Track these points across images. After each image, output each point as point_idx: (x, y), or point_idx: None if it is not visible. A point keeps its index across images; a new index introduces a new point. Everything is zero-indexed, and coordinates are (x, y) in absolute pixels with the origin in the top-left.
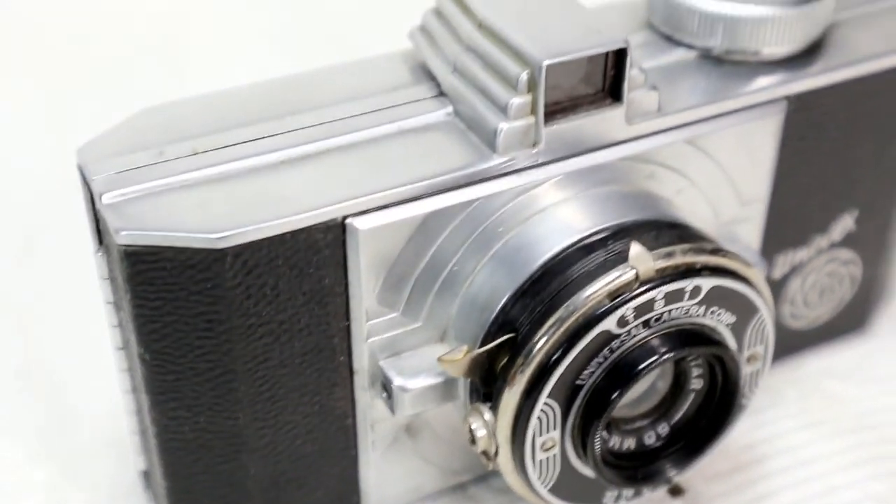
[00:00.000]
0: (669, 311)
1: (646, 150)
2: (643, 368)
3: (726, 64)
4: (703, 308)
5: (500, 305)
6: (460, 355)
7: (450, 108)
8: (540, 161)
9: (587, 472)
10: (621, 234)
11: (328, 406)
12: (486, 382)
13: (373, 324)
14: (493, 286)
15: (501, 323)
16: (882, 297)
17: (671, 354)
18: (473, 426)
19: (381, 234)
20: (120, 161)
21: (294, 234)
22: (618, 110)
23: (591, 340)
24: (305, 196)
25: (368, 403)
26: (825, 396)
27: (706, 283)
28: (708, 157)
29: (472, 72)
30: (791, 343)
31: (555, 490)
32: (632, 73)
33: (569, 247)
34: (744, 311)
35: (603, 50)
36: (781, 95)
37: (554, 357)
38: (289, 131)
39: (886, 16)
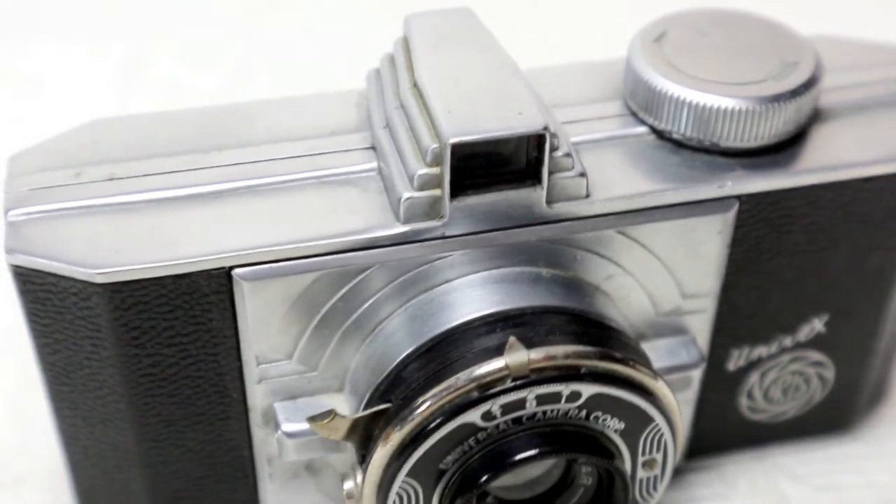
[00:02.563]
0: (544, 411)
1: (569, 234)
2: (506, 465)
3: (684, 150)
4: (584, 412)
5: (386, 372)
6: (326, 420)
7: (375, 164)
8: (446, 234)
9: None
10: (516, 321)
11: (224, 436)
12: (363, 446)
13: (265, 367)
14: (385, 351)
15: (384, 390)
16: (874, 402)
17: (536, 455)
18: (346, 486)
19: (270, 287)
20: (38, 178)
21: (177, 278)
22: (538, 192)
23: (454, 429)
24: (196, 241)
25: (264, 439)
26: (776, 497)
27: (587, 390)
28: (642, 248)
29: (397, 132)
30: (752, 434)
31: None
32: (556, 157)
33: (459, 327)
34: (635, 419)
35: (515, 134)
36: (732, 194)
37: (415, 437)
38: (209, 167)
39: (880, 116)
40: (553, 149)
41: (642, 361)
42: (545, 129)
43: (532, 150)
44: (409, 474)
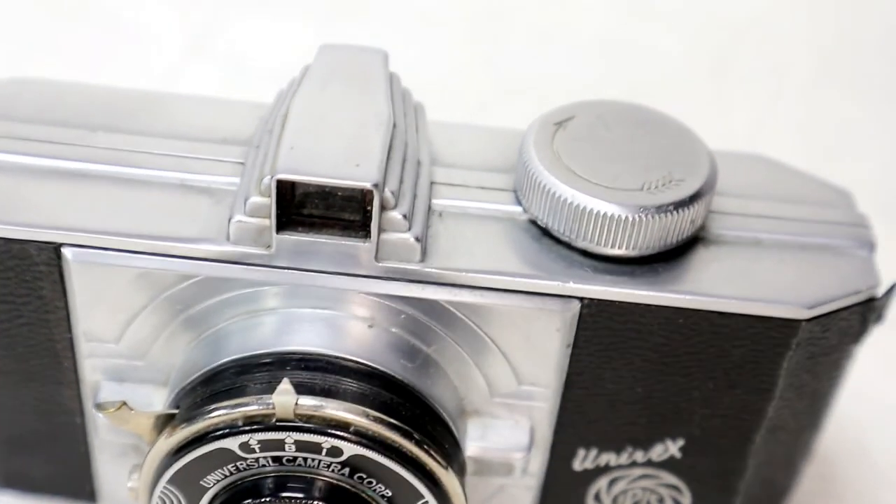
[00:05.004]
0: (305, 458)
1: (397, 295)
2: (257, 499)
3: (548, 240)
4: (347, 469)
5: (189, 379)
6: (113, 409)
7: (237, 180)
8: (272, 264)
9: None
10: (311, 364)
11: (57, 399)
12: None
13: (93, 346)
14: (196, 360)
15: (181, 396)
16: None
17: (276, 497)
18: (131, 481)
19: (96, 272)
20: None
21: (8, 241)
22: (367, 245)
23: (214, 452)
24: (38, 212)
25: (94, 412)
26: None
27: (348, 448)
28: (475, 326)
29: (258, 154)
30: None
31: None
32: (389, 215)
33: (260, 356)
34: (404, 491)
35: (341, 184)
36: (574, 295)
37: (177, 450)
38: (87, 146)
39: (770, 255)
40: (385, 207)
41: (429, 438)
42: (375, 185)
43: (367, 203)
44: (170, 482)
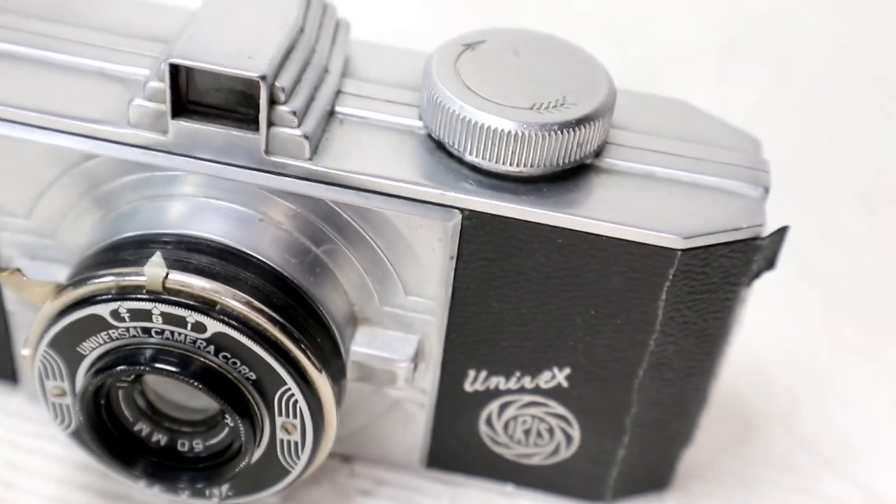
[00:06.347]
0: (172, 331)
1: (287, 191)
2: (123, 370)
3: (441, 153)
4: (212, 348)
5: (84, 255)
6: (7, 272)
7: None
8: (169, 150)
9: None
10: (192, 246)
11: None
12: None
13: (5, 220)
14: (94, 239)
15: (75, 269)
16: (646, 486)
17: (148, 369)
18: (22, 352)
19: (5, 145)
20: None
21: None
22: (256, 137)
23: (86, 317)
24: None
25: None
26: None
27: (212, 326)
28: (360, 230)
29: (168, 47)
30: (498, 467)
31: (75, 436)
32: (280, 110)
33: (148, 235)
34: (268, 376)
35: (229, 72)
36: (454, 205)
37: (56, 315)
38: (18, 30)
39: (660, 188)
40: (275, 101)
41: (298, 329)
42: (262, 77)
43: (258, 96)
44: (50, 346)
